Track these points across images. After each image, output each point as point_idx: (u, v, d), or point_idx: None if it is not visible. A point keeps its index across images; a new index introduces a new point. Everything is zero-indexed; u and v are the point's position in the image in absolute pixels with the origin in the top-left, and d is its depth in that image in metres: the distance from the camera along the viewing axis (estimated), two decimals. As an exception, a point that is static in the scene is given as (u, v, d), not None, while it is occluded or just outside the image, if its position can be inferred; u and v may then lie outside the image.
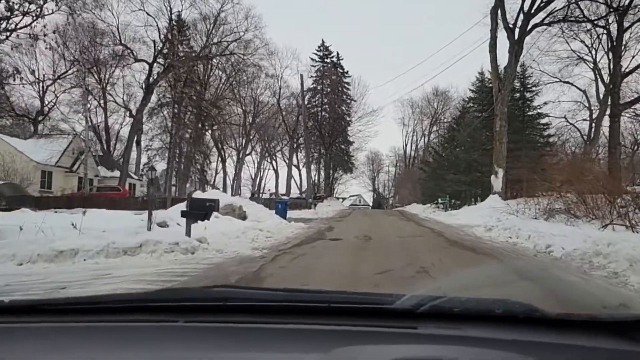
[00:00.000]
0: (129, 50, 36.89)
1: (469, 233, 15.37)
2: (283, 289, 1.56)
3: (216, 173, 58.43)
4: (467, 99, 37.81)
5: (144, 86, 38.57)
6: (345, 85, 62.71)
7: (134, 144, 41.19)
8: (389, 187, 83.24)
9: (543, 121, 30.88)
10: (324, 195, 43.99)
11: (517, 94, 29.57)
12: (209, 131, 47.79)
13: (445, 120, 63.51)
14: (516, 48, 24.86)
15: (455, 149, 30.18)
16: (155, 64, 38.24)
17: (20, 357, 1.12)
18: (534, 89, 30.61)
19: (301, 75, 36.56)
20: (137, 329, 1.24)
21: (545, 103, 31.39)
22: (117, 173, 40.14)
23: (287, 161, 61.84)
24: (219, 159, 53.71)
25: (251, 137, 55.85)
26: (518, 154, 27.74)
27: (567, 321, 1.17)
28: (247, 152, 58.63)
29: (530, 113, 30.43)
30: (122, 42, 36.43)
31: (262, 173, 68.42)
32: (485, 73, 36.38)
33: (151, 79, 38.02)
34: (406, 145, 73.36)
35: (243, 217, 16.45)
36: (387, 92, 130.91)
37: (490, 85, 34.55)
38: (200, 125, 44.92)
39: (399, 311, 1.22)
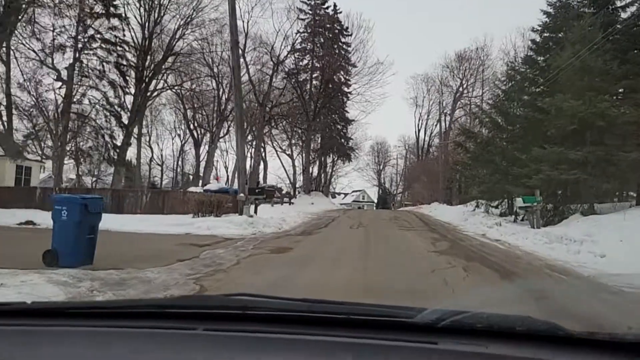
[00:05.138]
0: None
1: None
2: (303, 299, 1.45)
3: (197, 161, 46.58)
4: (538, 28, 21.77)
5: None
6: (344, 46, 47.54)
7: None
8: (396, 182, 67.93)
9: None
10: (271, 188, 27.99)
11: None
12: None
13: (476, 94, 47.74)
14: None
15: (539, 96, 14.43)
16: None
17: None
18: None
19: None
20: (156, 335, 1.22)
21: None
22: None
23: (275, 147, 47.10)
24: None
25: (227, 114, 40.74)
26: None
27: (591, 340, 1.13)
28: (222, 135, 43.60)
29: None
30: None
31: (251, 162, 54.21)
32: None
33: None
34: (419, 130, 57.76)
35: None
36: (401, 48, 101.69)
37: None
38: (125, 80, 29.44)
39: (419, 325, 1.18)
